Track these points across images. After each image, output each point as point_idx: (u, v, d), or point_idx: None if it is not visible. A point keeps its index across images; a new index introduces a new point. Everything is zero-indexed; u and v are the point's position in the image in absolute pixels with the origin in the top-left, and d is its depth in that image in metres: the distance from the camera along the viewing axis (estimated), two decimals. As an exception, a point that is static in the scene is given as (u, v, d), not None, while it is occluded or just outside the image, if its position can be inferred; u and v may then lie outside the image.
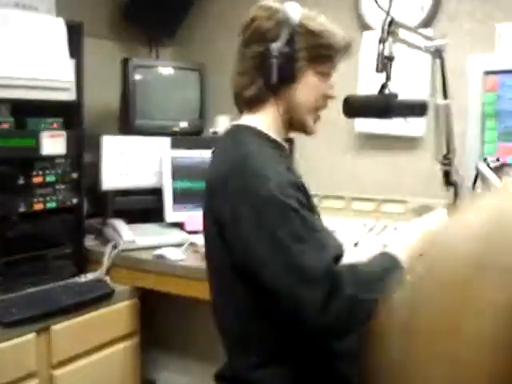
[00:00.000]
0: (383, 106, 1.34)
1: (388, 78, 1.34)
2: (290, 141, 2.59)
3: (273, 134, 1.34)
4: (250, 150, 1.25)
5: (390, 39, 1.35)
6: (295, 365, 1.25)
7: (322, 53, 1.30)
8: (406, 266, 1.20)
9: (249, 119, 1.35)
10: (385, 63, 1.34)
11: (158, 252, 2.04)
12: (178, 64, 2.65)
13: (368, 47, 2.31)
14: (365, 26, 2.40)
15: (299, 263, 1.12)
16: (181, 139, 2.46)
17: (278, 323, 1.22)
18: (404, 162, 2.37)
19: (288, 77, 1.28)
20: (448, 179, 1.89)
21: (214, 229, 1.25)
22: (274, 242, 1.14)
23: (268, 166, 1.22)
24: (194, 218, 2.29)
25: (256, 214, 1.16)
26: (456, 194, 1.92)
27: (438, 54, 1.66)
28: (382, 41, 1.35)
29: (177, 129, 2.53)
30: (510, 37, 1.85)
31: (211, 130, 2.60)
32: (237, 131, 1.34)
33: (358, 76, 2.39)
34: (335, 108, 2.38)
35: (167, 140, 2.41)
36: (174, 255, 2.01)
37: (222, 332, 1.35)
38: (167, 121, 2.52)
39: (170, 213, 2.34)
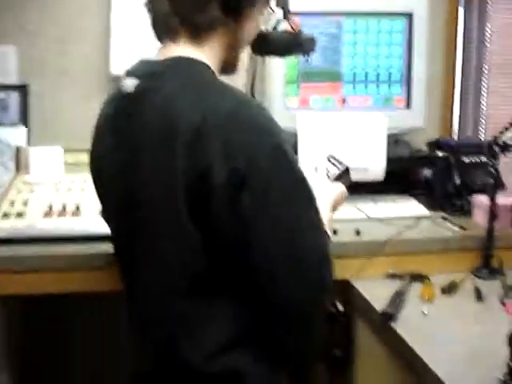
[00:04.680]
0: (295, 42, 1.22)
1: (288, 13, 1.21)
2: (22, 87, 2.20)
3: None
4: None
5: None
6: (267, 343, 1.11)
7: None
8: None
9: (189, 52, 1.07)
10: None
11: None
12: None
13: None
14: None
15: None
16: None
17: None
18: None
19: (251, 5, 1.07)
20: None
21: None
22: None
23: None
24: None
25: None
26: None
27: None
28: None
29: None
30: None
31: None
32: (189, 67, 1.06)
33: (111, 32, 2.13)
34: (83, 47, 2.13)
35: None
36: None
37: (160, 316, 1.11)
38: None
39: None
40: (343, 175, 1.34)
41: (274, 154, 0.98)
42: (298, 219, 1.01)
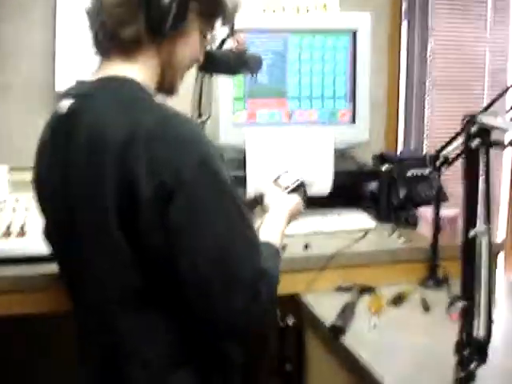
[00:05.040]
0: (241, 61, 1.23)
1: (233, 32, 1.22)
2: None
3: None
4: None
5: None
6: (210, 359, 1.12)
7: (213, 9, 1.12)
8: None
9: (122, 69, 1.08)
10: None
11: None
12: None
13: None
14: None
15: None
16: None
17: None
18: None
19: (178, 23, 1.05)
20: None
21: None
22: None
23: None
24: None
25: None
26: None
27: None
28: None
29: None
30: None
31: None
32: (119, 86, 1.07)
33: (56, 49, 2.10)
34: (30, 64, 2.09)
35: None
36: None
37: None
38: None
39: None
40: (298, 189, 1.38)
41: (199, 168, 0.98)
42: (227, 233, 1.00)
